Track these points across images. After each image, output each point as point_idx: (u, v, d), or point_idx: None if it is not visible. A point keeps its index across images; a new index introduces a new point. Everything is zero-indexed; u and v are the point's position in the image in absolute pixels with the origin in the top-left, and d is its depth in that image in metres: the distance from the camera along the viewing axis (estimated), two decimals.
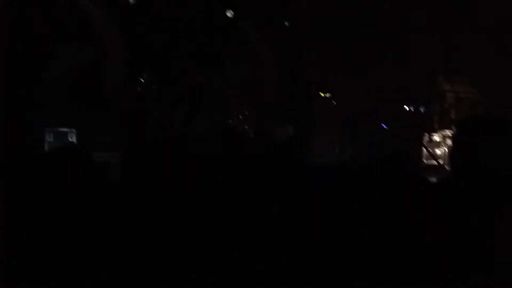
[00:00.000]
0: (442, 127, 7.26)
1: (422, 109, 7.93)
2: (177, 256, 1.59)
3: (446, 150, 6.83)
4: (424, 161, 7.04)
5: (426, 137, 7.20)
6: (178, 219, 1.78)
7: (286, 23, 7.90)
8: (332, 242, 1.74)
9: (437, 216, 1.44)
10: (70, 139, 6.70)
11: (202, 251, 1.63)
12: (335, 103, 7.97)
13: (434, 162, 6.90)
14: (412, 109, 8.04)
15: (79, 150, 1.63)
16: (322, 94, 7.96)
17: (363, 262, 1.56)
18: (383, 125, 7.91)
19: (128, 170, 2.41)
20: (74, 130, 6.70)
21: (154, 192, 2.01)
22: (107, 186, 1.81)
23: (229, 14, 7.56)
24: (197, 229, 1.75)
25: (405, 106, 8.04)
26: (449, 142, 6.64)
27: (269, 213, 1.87)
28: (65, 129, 6.71)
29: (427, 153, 7.04)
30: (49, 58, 6.93)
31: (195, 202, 1.92)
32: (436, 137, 7.14)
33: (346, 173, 2.25)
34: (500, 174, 1.34)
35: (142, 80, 7.58)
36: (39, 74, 6.87)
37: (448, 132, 6.92)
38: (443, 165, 6.74)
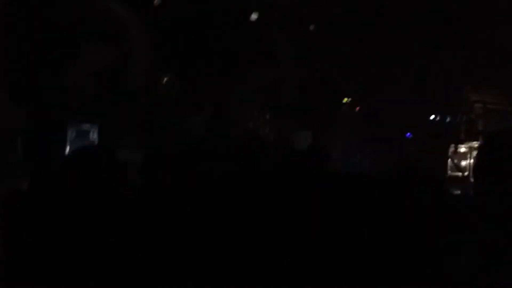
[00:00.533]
0: (468, 138, 7.06)
1: (448, 119, 7.75)
2: (198, 253, 1.57)
3: (472, 162, 6.64)
4: (449, 172, 6.86)
5: (452, 148, 7.02)
6: (199, 220, 1.76)
7: (311, 27, 7.83)
8: (347, 247, 1.69)
9: (456, 229, 1.38)
10: (92, 137, 6.78)
11: (220, 252, 1.60)
12: (358, 109, 7.87)
13: (459, 174, 6.71)
14: (439, 119, 7.87)
15: (104, 152, 1.62)
16: (346, 100, 7.86)
17: (377, 269, 1.51)
18: (408, 134, 7.76)
19: (149, 170, 2.41)
20: (96, 128, 6.79)
21: (175, 192, 2.00)
22: (129, 187, 1.79)
23: (254, 16, 7.54)
24: (215, 230, 1.73)
25: (431, 116, 7.87)
26: (475, 153, 6.46)
27: (288, 218, 1.83)
28: (87, 127, 6.80)
29: (452, 164, 6.86)
30: (76, 56, 7.03)
31: (214, 204, 1.90)
32: (462, 148, 6.95)
33: (366, 182, 2.19)
34: None
35: (166, 80, 7.63)
36: (64, 73, 6.98)
37: (474, 144, 6.72)
38: (468, 177, 6.55)
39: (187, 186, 2.08)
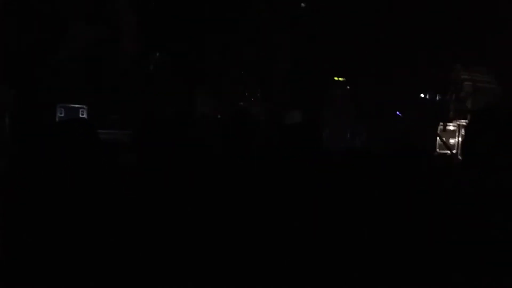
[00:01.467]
0: (457, 116, 7.13)
1: (438, 98, 7.80)
2: (168, 245, 1.58)
3: (460, 140, 6.73)
4: (438, 150, 6.95)
5: (440, 126, 7.09)
6: (191, 200, 1.76)
7: (303, 4, 7.76)
8: (339, 231, 1.71)
9: (445, 207, 1.41)
10: (81, 115, 6.73)
11: (195, 243, 1.61)
12: (349, 88, 7.87)
13: (448, 152, 6.81)
14: (428, 97, 7.91)
15: (85, 123, 1.61)
16: (336, 79, 7.85)
17: (368, 256, 1.54)
18: (398, 113, 7.80)
19: (138, 147, 2.40)
20: (85, 107, 6.73)
21: (161, 174, 2.00)
22: (111, 162, 1.79)
23: None
24: (210, 210, 1.74)
25: (421, 95, 7.91)
26: (463, 131, 6.53)
27: (282, 196, 1.85)
28: (76, 105, 6.74)
29: (441, 142, 6.94)
30: (62, 36, 6.92)
31: (208, 182, 1.91)
32: (451, 127, 7.03)
33: (358, 161, 2.22)
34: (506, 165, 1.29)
35: (154, 60, 7.54)
36: (52, 52, 6.87)
37: (463, 122, 6.81)
38: (456, 154, 6.64)
39: (178, 165, 2.08)
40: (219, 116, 7.02)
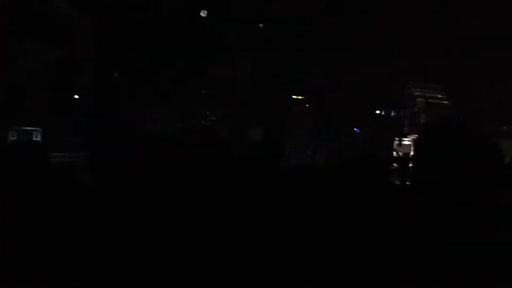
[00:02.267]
0: (411, 131, 7.39)
1: (393, 114, 8.06)
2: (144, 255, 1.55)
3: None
4: (394, 164, 7.15)
5: (396, 141, 7.32)
6: (148, 219, 1.74)
7: (261, 25, 7.90)
8: (300, 244, 1.73)
9: (398, 217, 1.46)
10: (35, 138, 6.52)
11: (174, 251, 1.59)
12: (308, 106, 8.02)
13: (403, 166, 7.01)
14: (384, 113, 8.16)
15: (37, 146, 1.57)
16: (296, 97, 8.00)
17: (328, 265, 1.56)
18: (356, 129, 8.00)
19: (93, 169, 2.34)
20: (39, 129, 6.53)
21: (120, 193, 1.96)
22: (64, 184, 1.75)
23: (203, 14, 7.50)
24: (165, 228, 1.71)
25: (377, 111, 8.16)
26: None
27: (243, 216, 1.85)
28: (29, 128, 6.53)
29: (397, 156, 7.15)
30: (17, 56, 6.73)
31: (169, 201, 1.88)
32: (406, 141, 7.26)
33: (319, 175, 2.26)
34: (457, 176, 1.35)
35: (113, 80, 7.44)
36: (6, 72, 6.66)
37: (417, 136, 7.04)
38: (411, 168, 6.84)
39: (141, 184, 2.05)
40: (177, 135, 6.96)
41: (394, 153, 7.20)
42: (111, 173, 2.22)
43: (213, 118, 7.26)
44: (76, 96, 7.20)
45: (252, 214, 1.80)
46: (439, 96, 7.53)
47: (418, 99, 7.50)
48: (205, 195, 1.90)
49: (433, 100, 7.48)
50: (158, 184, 2.03)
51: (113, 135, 6.62)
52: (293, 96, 7.97)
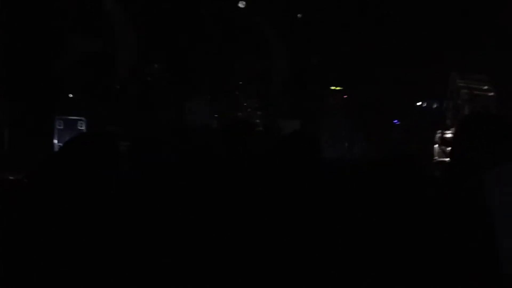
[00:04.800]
0: (455, 124, 7.14)
1: (435, 106, 7.83)
2: (171, 247, 1.59)
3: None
4: (436, 157, 6.95)
5: (438, 134, 7.10)
6: (188, 206, 1.78)
7: (299, 15, 7.82)
8: (335, 239, 1.72)
9: (438, 213, 1.42)
10: (80, 128, 6.75)
11: (202, 246, 1.62)
12: (346, 97, 7.90)
13: (446, 159, 6.80)
14: (425, 105, 7.94)
15: (108, 137, 1.64)
16: (333, 88, 7.89)
17: (365, 262, 1.54)
18: (395, 121, 7.82)
19: (137, 159, 2.42)
20: (83, 119, 6.75)
21: (162, 182, 2.01)
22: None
23: (241, 5, 7.51)
24: (204, 215, 1.75)
25: (418, 102, 7.94)
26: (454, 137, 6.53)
27: (279, 205, 1.86)
28: (75, 118, 6.76)
29: (439, 149, 6.94)
30: (62, 48, 6.97)
31: (198, 194, 1.91)
32: (449, 134, 7.04)
33: (355, 170, 2.23)
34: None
35: (153, 71, 7.59)
36: (52, 64, 6.92)
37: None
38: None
39: (178, 175, 2.10)
40: (216, 126, 7.04)
41: (436, 146, 7.00)
42: (153, 162, 2.29)
43: (249, 110, 7.27)
44: (117, 87, 7.41)
45: (289, 207, 1.80)
46: (484, 87, 7.24)
47: (462, 91, 7.24)
48: (244, 187, 1.92)
49: (477, 92, 7.20)
50: (198, 174, 2.07)
51: (153, 126, 6.79)
52: (331, 87, 7.87)
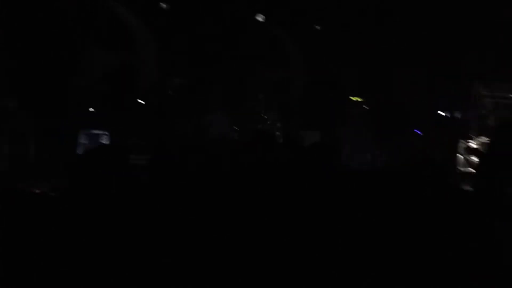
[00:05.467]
0: (479, 133, 7.00)
1: (458, 115, 7.70)
2: (199, 250, 1.60)
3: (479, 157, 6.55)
4: (461, 168, 6.80)
5: (462, 144, 6.96)
6: (203, 219, 1.78)
7: (318, 27, 7.84)
8: (358, 245, 1.70)
9: (463, 222, 1.39)
10: (103, 141, 6.86)
11: (227, 252, 1.62)
12: (367, 108, 7.84)
13: (471, 170, 6.65)
14: (448, 115, 7.81)
15: (118, 150, 1.67)
16: (354, 99, 7.84)
17: (386, 265, 1.52)
18: (418, 131, 7.71)
19: (156, 171, 2.45)
20: (107, 133, 6.86)
21: (181, 193, 2.02)
22: (137, 185, 1.84)
23: (260, 18, 7.58)
24: (225, 226, 1.75)
25: (441, 112, 7.82)
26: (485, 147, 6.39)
27: (300, 214, 1.85)
28: (98, 132, 6.87)
29: (464, 160, 6.80)
30: (85, 63, 7.13)
31: (220, 204, 1.92)
32: (473, 144, 6.89)
33: (377, 180, 2.20)
34: None
35: (174, 85, 7.69)
36: (74, 78, 7.07)
37: (485, 139, 6.66)
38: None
39: (200, 186, 2.11)
40: (237, 138, 7.06)
41: (461, 156, 6.86)
42: (176, 174, 2.31)
43: (269, 123, 7.28)
44: (138, 101, 7.52)
45: (311, 216, 1.79)
46: (508, 96, 7.08)
47: (486, 100, 7.10)
48: (264, 197, 1.92)
49: (502, 100, 7.05)
50: (221, 185, 2.08)
51: (175, 139, 6.86)
52: (351, 98, 7.82)
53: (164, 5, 7.45)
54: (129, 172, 1.65)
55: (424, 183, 1.98)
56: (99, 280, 1.44)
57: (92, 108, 7.08)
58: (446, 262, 1.34)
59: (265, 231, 1.71)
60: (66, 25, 6.75)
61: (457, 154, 6.84)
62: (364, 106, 7.84)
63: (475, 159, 6.70)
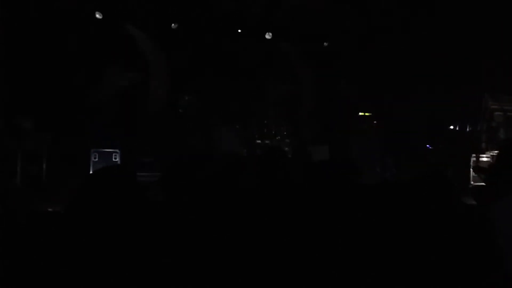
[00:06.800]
0: (490, 147, 6.94)
1: (469, 128, 7.65)
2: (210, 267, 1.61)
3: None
4: (472, 182, 6.74)
5: (473, 158, 6.91)
6: (215, 235, 1.80)
7: (325, 44, 7.90)
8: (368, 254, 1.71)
9: (473, 236, 1.39)
10: (114, 160, 6.92)
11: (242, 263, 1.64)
12: (375, 122, 7.83)
13: (482, 183, 6.59)
14: (458, 128, 7.77)
15: (124, 170, 1.70)
16: (362, 113, 7.84)
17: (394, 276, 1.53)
18: (428, 146, 7.67)
19: (167, 188, 2.48)
20: (118, 151, 6.92)
21: (191, 209, 2.04)
22: (148, 204, 1.87)
23: (268, 36, 7.67)
24: (239, 244, 1.77)
25: (451, 126, 7.79)
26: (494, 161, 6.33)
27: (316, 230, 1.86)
28: (109, 150, 6.93)
29: (475, 174, 6.74)
30: (95, 81, 7.24)
31: (232, 221, 1.94)
32: (484, 158, 6.84)
33: (386, 194, 2.21)
34: None
35: (184, 103, 7.77)
36: (85, 97, 7.18)
37: (496, 152, 6.60)
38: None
39: (211, 201, 2.13)
40: (246, 154, 7.08)
41: (472, 171, 6.79)
42: (186, 192, 2.33)
43: (278, 138, 7.30)
44: (149, 119, 7.60)
45: (325, 232, 1.80)
46: None
47: (496, 113, 7.06)
48: (279, 213, 1.93)
49: None
50: (233, 201, 2.10)
51: (185, 156, 6.90)
52: (360, 113, 7.82)
53: (175, 25, 7.58)
54: (136, 192, 1.69)
55: (431, 197, 1.98)
56: None
57: (104, 126, 7.16)
58: (448, 272, 1.35)
59: (278, 246, 1.72)
60: (80, 45, 6.88)
61: (469, 168, 6.79)
62: (373, 121, 7.84)
63: (485, 172, 6.63)
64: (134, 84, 7.55)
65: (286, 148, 7.10)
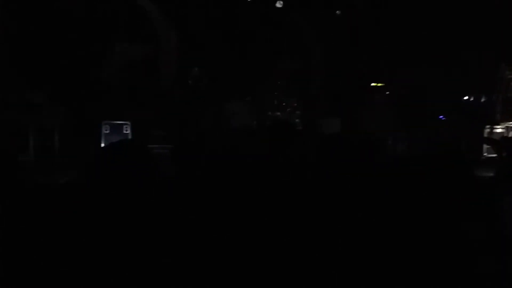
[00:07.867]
0: (505, 118, 6.82)
1: (483, 99, 7.51)
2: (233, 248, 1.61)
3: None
4: (485, 154, 6.66)
5: (487, 129, 6.80)
6: (233, 206, 1.80)
7: (338, 12, 7.72)
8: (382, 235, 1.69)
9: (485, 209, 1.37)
10: (125, 132, 6.96)
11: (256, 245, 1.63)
12: (388, 93, 7.72)
13: (495, 155, 6.50)
14: (473, 99, 7.64)
15: (136, 145, 1.69)
16: (374, 84, 7.72)
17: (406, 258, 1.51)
18: (441, 117, 7.57)
19: (179, 161, 2.47)
20: (128, 123, 6.95)
21: (204, 183, 2.04)
22: (160, 178, 1.86)
23: (279, 4, 7.50)
24: (249, 217, 1.76)
25: (465, 97, 7.65)
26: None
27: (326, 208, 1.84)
28: (120, 122, 6.97)
29: (489, 145, 6.65)
30: (106, 55, 7.22)
31: (248, 191, 1.92)
32: (499, 129, 6.73)
33: (399, 168, 2.18)
34: None
35: (193, 75, 7.72)
36: (97, 70, 7.18)
37: (511, 123, 6.49)
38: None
39: (221, 176, 2.12)
40: (256, 127, 7.06)
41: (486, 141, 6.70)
42: (196, 166, 2.33)
43: (288, 109, 7.25)
44: (160, 92, 7.58)
45: (340, 206, 1.79)
46: None
47: None
48: (290, 187, 1.92)
49: None
50: (243, 177, 2.08)
51: (195, 129, 6.91)
52: (372, 84, 7.71)
53: None
54: (149, 166, 1.67)
55: (446, 172, 1.95)
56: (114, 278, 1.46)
57: (114, 99, 7.17)
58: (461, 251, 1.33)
59: (288, 227, 1.71)
60: (91, 19, 6.84)
61: (483, 140, 6.69)
62: (386, 92, 7.73)
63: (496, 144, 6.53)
64: (145, 57, 7.51)
65: (297, 120, 7.05)
